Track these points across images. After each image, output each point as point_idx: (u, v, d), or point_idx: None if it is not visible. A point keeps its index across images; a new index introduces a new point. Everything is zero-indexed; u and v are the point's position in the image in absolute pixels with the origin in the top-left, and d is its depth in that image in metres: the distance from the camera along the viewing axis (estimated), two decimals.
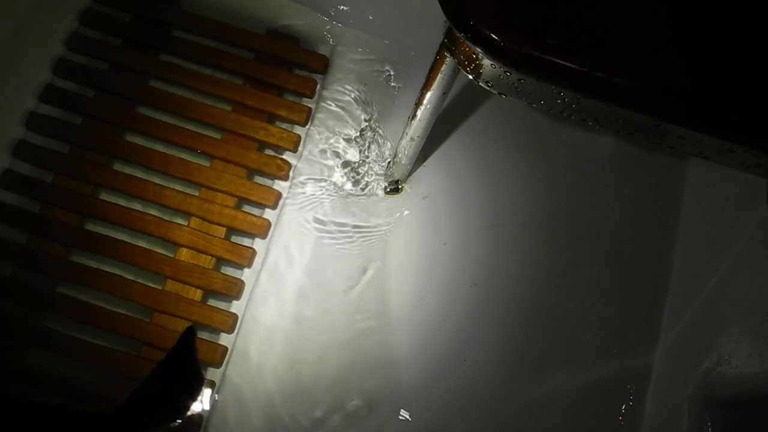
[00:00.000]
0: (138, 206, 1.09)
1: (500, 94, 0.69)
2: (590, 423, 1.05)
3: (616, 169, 1.17)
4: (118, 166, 1.11)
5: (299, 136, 1.14)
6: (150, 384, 0.66)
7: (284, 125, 1.16)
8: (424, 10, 1.14)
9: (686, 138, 0.61)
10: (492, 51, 0.61)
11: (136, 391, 0.66)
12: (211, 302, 1.05)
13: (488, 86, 0.69)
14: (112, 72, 1.15)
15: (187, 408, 0.73)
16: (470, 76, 0.69)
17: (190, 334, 0.70)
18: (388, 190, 1.13)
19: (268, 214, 1.11)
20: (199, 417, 0.96)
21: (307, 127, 1.16)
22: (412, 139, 1.04)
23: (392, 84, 1.19)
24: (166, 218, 1.07)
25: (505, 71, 0.64)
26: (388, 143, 1.15)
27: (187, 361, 0.71)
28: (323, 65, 1.19)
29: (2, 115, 1.09)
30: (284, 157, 1.13)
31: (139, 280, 1.04)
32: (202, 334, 1.01)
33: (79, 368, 0.99)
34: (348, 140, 1.15)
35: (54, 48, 1.15)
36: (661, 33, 0.60)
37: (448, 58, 0.75)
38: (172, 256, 1.05)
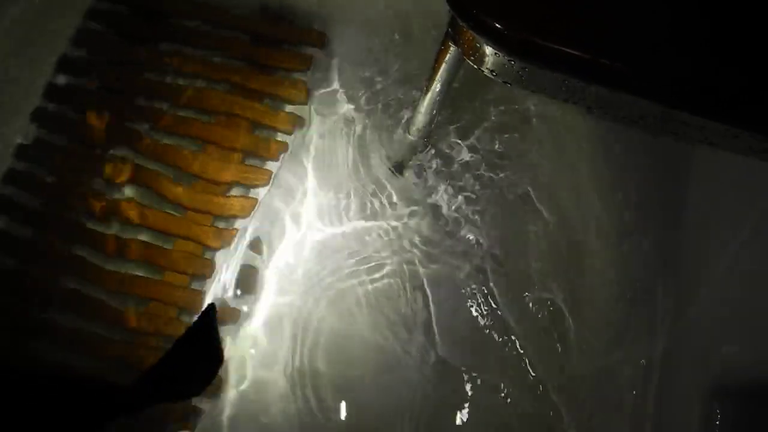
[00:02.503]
0: (138, 197, 1.10)
1: (505, 82, 0.70)
2: (597, 413, 1.05)
3: (622, 159, 1.17)
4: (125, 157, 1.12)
5: (298, 117, 1.14)
6: (169, 359, 0.67)
7: (283, 105, 1.15)
8: None
9: (691, 124, 0.61)
10: (495, 39, 0.61)
11: (155, 366, 0.66)
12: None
13: (493, 75, 0.69)
14: (111, 64, 1.16)
15: (206, 385, 0.73)
16: (475, 65, 0.70)
17: (211, 310, 0.70)
18: (393, 170, 1.14)
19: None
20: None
21: (309, 105, 1.15)
22: (418, 129, 1.04)
23: (396, 55, 1.18)
24: (165, 210, 1.09)
25: (508, 60, 0.64)
26: (391, 117, 1.15)
27: (208, 338, 0.71)
28: (321, 41, 1.18)
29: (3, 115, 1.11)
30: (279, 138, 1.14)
31: (139, 273, 1.06)
32: None
33: (84, 360, 1.00)
34: (348, 120, 1.15)
35: (57, 44, 1.16)
36: (663, 19, 0.60)
37: (452, 48, 0.76)
38: (170, 247, 1.07)
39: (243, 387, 1.00)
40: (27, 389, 0.58)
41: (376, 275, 1.08)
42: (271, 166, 1.12)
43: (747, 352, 0.93)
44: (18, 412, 0.56)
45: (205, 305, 0.96)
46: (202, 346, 0.70)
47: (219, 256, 1.07)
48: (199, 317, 0.70)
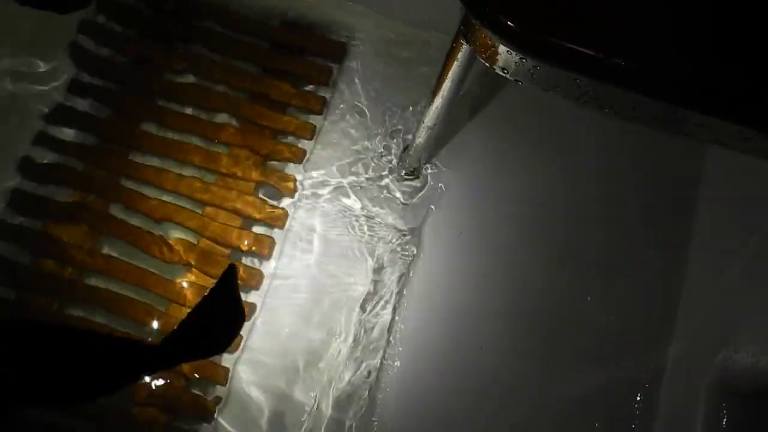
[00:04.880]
0: (156, 195, 1.11)
1: (516, 81, 0.70)
2: (606, 412, 1.05)
3: (633, 162, 1.17)
4: (137, 158, 1.13)
5: (315, 126, 1.15)
6: (195, 318, 0.68)
7: (299, 115, 1.16)
8: None
9: (703, 125, 0.61)
10: (508, 37, 0.61)
11: (181, 324, 0.68)
12: None
13: (504, 73, 0.69)
14: (131, 65, 1.17)
15: (231, 342, 0.75)
16: (486, 63, 0.70)
17: (232, 270, 0.71)
18: (405, 176, 1.14)
19: (285, 203, 1.12)
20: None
21: (323, 116, 1.16)
22: (429, 127, 1.04)
23: (412, 68, 1.19)
24: (183, 206, 1.10)
25: (520, 58, 0.64)
26: (405, 130, 1.15)
27: (230, 297, 0.73)
28: (339, 52, 1.19)
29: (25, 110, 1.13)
30: (299, 145, 1.14)
31: (155, 271, 1.06)
32: None
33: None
34: (365, 127, 1.16)
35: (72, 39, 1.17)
36: (665, 20, 0.60)
37: (464, 45, 0.76)
38: (195, 242, 1.08)
39: None
40: (61, 344, 0.60)
41: None
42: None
43: (755, 349, 0.92)
44: (51, 365, 0.58)
45: None
46: (224, 304, 0.71)
47: None
48: (220, 277, 0.71)
